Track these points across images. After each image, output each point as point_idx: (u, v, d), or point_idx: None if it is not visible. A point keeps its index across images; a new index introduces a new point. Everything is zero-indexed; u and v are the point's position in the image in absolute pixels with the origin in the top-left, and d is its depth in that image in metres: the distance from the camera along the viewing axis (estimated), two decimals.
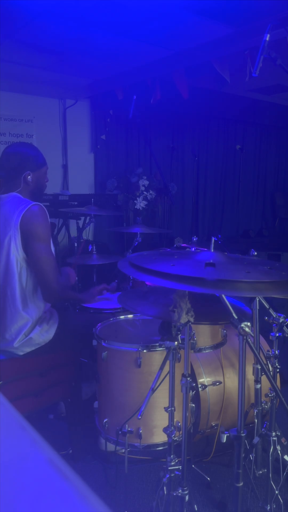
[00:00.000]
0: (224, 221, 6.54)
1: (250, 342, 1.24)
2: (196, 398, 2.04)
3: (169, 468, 1.51)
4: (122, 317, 2.10)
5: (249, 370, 1.87)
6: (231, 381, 2.10)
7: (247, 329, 1.19)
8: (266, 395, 1.78)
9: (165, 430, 1.52)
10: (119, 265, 1.33)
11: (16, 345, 1.94)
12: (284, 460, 1.75)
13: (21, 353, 1.97)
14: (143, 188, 4.95)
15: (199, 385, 2.04)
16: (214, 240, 1.44)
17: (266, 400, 1.84)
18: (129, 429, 1.71)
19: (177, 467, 1.51)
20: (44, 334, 1.99)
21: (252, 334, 1.68)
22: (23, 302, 1.93)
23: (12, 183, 2.01)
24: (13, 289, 1.92)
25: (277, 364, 1.75)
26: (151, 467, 2.11)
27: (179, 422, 1.73)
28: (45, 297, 1.99)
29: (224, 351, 2.16)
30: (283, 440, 1.78)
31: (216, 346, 2.02)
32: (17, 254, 1.89)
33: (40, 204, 1.93)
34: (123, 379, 1.76)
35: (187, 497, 1.49)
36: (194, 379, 2.05)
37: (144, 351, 1.72)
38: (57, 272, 1.97)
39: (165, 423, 1.53)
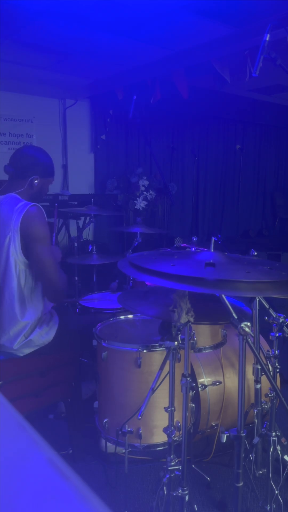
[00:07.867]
0: (224, 221, 6.54)
1: (250, 342, 1.24)
2: (196, 398, 2.04)
3: (169, 468, 1.51)
4: (122, 317, 2.09)
5: (249, 370, 1.87)
6: (231, 381, 2.10)
7: (247, 329, 1.19)
8: (266, 395, 1.78)
9: (165, 430, 1.52)
10: (119, 265, 1.33)
11: (16, 347, 1.93)
12: (284, 460, 1.75)
13: (21, 355, 1.97)
14: (143, 188, 4.96)
15: (199, 385, 2.04)
16: (214, 240, 1.43)
17: (266, 400, 1.84)
18: (129, 429, 1.71)
19: (177, 467, 1.51)
20: (44, 336, 1.99)
21: (252, 334, 1.68)
22: (22, 304, 1.92)
23: (17, 183, 1.99)
24: (12, 291, 1.90)
25: (277, 364, 1.75)
26: (151, 467, 2.11)
27: (179, 422, 1.73)
28: (50, 298, 1.98)
29: (224, 351, 2.16)
30: (283, 440, 1.78)
31: (216, 346, 2.02)
32: (16, 256, 1.87)
33: (38, 204, 1.92)
34: (123, 379, 1.76)
35: (187, 497, 1.49)
36: (194, 379, 2.05)
37: (144, 351, 1.72)
38: (60, 271, 1.95)
39: (165, 423, 1.53)
